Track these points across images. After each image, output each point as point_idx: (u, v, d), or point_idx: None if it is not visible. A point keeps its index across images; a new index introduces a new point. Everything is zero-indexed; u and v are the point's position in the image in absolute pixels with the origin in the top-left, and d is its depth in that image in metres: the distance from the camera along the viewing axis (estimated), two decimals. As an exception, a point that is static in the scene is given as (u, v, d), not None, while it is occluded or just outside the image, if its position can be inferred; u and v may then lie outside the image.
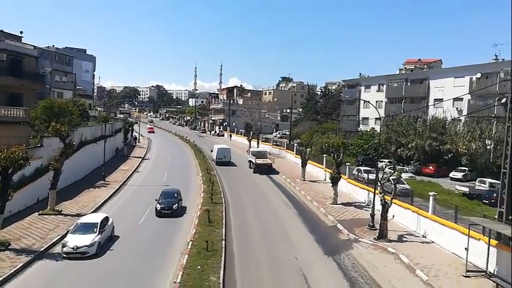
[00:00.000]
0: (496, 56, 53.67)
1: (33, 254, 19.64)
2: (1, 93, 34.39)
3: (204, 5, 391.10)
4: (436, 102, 53.73)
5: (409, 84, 60.59)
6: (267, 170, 46.49)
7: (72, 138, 29.62)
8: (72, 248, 19.62)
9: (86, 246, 19.83)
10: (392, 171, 25.19)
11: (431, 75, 57.94)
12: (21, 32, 54.46)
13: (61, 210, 27.27)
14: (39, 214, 26.36)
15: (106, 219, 22.64)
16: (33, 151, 27.98)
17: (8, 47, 36.76)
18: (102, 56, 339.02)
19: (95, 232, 20.73)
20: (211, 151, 56.69)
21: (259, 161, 47.55)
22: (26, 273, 17.87)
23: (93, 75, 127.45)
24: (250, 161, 49.97)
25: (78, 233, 20.69)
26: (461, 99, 50.87)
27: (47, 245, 20.95)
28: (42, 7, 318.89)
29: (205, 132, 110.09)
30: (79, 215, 26.58)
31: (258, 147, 63.95)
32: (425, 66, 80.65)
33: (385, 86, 64.22)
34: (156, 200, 28.26)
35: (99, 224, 21.31)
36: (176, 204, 27.98)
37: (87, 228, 21.03)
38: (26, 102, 36.48)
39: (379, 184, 24.73)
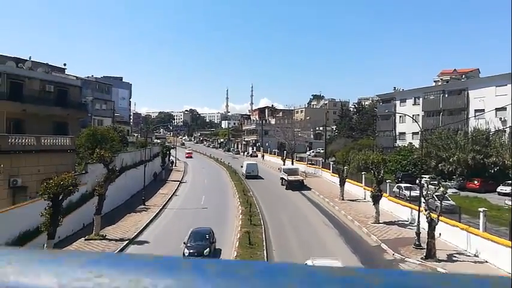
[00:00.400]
0: (540, 62, 51.46)
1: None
2: (49, 122, 36.40)
3: (231, 30, 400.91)
4: (477, 114, 51.82)
5: (446, 95, 58.89)
6: (299, 186, 47.39)
7: (114, 163, 30.65)
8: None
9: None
10: (437, 187, 24.29)
11: (470, 85, 56.08)
12: (65, 64, 57.60)
13: (105, 235, 28.02)
14: (85, 239, 27.21)
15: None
16: (79, 177, 29.15)
17: (55, 79, 39.02)
18: (137, 83, 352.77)
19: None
20: (241, 167, 62.46)
21: (291, 177, 48.43)
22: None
23: (129, 101, 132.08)
24: (282, 178, 50.89)
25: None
26: (505, 109, 48.89)
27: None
28: (82, 38, 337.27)
29: (239, 154, 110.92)
30: (122, 240, 27.29)
31: (292, 165, 63.76)
32: (462, 76, 78.28)
33: (421, 99, 62.73)
34: (184, 243, 24.07)
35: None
36: (208, 249, 23.20)
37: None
38: (71, 130, 38.40)
39: (423, 201, 23.89)
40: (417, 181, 43.55)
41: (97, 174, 31.99)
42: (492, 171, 44.32)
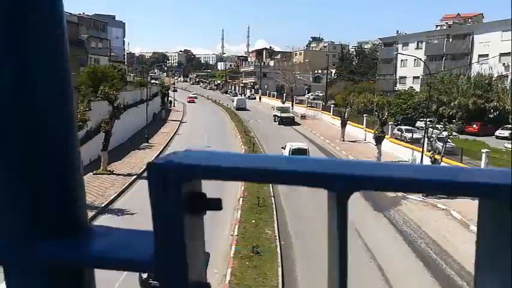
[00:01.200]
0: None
1: (96, 209, 20.91)
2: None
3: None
4: (480, 59, 51.28)
5: (450, 40, 57.86)
6: (289, 122, 53.44)
7: (119, 101, 30.46)
8: None
9: None
10: (442, 130, 24.67)
11: (475, 30, 54.99)
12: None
13: (113, 170, 28.57)
14: (93, 174, 27.73)
15: None
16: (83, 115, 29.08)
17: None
18: (129, 22, 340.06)
19: None
20: (232, 101, 71.12)
21: (283, 114, 54.68)
22: (93, 226, 19.09)
23: (123, 41, 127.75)
24: (275, 115, 56.63)
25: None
26: (509, 54, 48.38)
27: (107, 202, 22.20)
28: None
29: (237, 96, 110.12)
30: (130, 175, 27.87)
31: (292, 109, 64.29)
32: (465, 21, 76.39)
33: (424, 43, 61.64)
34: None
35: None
36: None
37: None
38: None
39: (427, 142, 24.38)
40: (417, 124, 44.61)
41: (100, 112, 31.91)
42: (491, 115, 44.85)
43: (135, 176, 27.55)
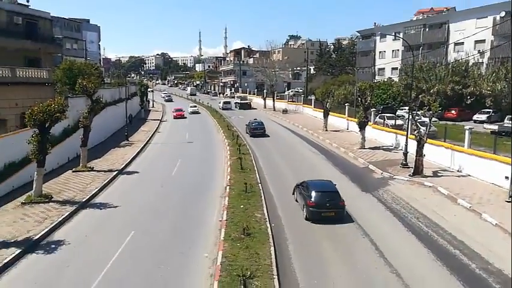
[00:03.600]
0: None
1: (76, 204, 20.07)
2: (20, 58, 34.18)
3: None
4: (456, 46, 52.21)
5: (427, 29, 58.78)
6: (246, 106, 67.50)
7: (99, 95, 29.49)
8: None
9: None
10: (427, 109, 24.78)
11: (451, 18, 56.08)
12: (28, 0, 53.27)
13: (93, 167, 27.59)
14: (73, 171, 26.74)
15: None
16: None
17: (23, 10, 36.10)
18: (104, 27, 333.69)
19: None
20: (219, 103, 73.58)
21: (242, 101, 69.34)
22: (74, 220, 18.31)
23: (99, 46, 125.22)
24: (236, 103, 71.33)
25: None
26: (484, 41, 49.42)
27: (88, 197, 21.34)
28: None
29: (217, 96, 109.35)
30: (111, 171, 27.00)
31: (273, 105, 64.53)
32: (438, 15, 77.75)
33: (401, 34, 62.39)
34: None
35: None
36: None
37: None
38: (44, 67, 36.29)
39: (413, 121, 24.46)
40: (397, 113, 45.02)
41: (78, 109, 30.94)
42: (468, 101, 45.61)
43: (116, 172, 26.72)
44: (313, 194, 16.99)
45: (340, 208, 16.83)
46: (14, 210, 19.20)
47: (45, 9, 42.35)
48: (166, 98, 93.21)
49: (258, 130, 40.54)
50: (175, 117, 57.57)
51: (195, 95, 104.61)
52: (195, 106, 67.96)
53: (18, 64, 32.49)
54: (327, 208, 16.65)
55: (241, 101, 70.14)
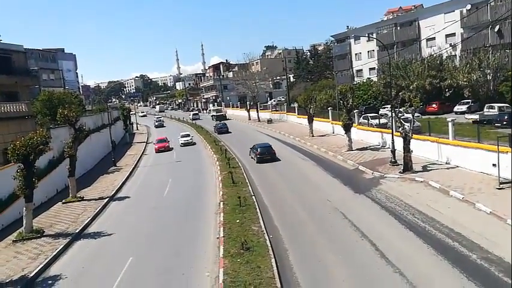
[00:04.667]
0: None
1: (70, 236, 19.66)
2: (-3, 93, 33.67)
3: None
4: (428, 42, 53.40)
5: (399, 28, 60.06)
6: (222, 118, 71.84)
7: (81, 123, 29.17)
8: None
9: None
10: (409, 106, 25.21)
11: (420, 15, 57.35)
12: None
13: (83, 197, 27.18)
14: (62, 203, 26.28)
15: None
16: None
17: (-5, 45, 35.61)
18: (80, 54, 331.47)
19: None
20: (189, 115, 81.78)
21: (217, 114, 75.71)
22: (69, 253, 17.92)
23: (76, 74, 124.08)
24: (212, 115, 78.58)
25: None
26: (454, 34, 50.66)
27: (81, 227, 20.95)
28: (11, 8, 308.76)
29: (200, 112, 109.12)
30: (102, 198, 26.60)
31: (258, 116, 64.85)
32: (407, 12, 79.67)
33: (374, 34, 63.50)
34: None
35: None
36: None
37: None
38: (22, 100, 35.74)
39: (396, 118, 24.82)
40: (380, 112, 45.75)
41: (61, 139, 30.53)
42: (447, 94, 46.61)
43: (107, 199, 26.32)
44: (259, 149, 32.71)
45: (272, 154, 32.23)
46: (5, 249, 18.72)
47: (18, 42, 41.85)
48: (157, 124, 77.72)
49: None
50: (157, 151, 45.27)
51: (163, 111, 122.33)
52: (188, 135, 49.42)
53: (-5, 99, 32.04)
54: (265, 155, 31.95)
55: (217, 113, 77.45)
